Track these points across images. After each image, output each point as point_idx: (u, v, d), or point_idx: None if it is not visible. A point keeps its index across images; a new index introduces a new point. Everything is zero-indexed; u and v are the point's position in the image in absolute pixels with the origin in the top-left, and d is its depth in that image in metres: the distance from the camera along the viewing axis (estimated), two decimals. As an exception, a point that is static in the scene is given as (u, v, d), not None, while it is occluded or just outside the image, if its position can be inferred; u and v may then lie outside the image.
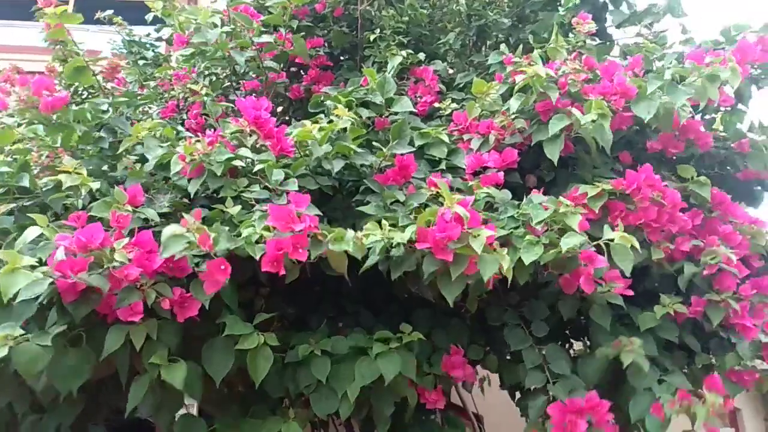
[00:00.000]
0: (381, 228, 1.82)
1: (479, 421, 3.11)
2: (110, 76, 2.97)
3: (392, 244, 1.80)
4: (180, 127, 2.46)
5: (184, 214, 2.01)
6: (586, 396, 1.90)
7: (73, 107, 2.19)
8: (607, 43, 2.86)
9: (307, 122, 2.15)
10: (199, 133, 2.45)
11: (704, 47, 2.37)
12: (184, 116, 3.03)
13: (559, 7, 2.72)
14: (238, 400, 2.11)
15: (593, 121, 2.01)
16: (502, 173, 2.24)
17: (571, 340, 2.53)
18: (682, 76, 2.16)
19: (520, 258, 1.82)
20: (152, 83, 3.25)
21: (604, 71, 2.21)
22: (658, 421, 1.85)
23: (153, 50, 3.53)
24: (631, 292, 2.08)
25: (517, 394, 2.42)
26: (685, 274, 2.18)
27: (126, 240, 1.61)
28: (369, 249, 1.80)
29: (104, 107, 2.27)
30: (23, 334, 1.52)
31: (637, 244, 1.85)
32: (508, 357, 2.34)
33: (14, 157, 2.06)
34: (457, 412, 2.78)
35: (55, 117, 2.08)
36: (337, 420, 2.46)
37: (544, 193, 2.12)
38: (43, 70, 3.40)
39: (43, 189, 1.94)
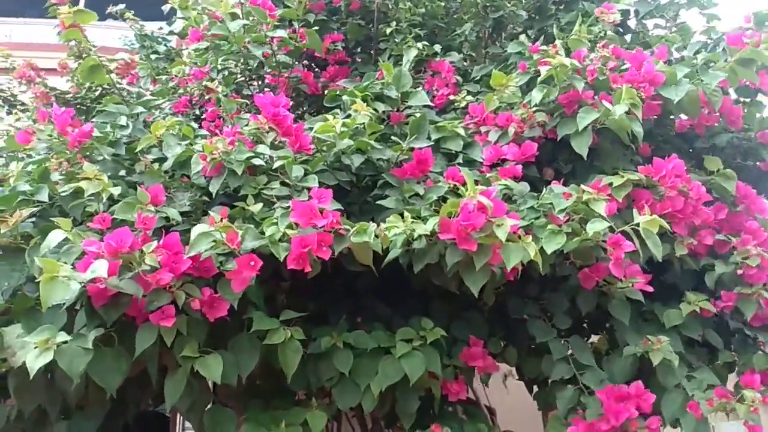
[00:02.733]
0: (403, 220, 1.82)
1: (492, 415, 3.13)
2: (124, 72, 2.97)
3: (414, 236, 1.81)
4: (193, 123, 2.46)
5: (205, 212, 2.04)
6: (632, 384, 1.92)
7: (93, 124, 2.19)
8: (628, 35, 2.83)
9: (329, 117, 2.14)
10: (217, 131, 2.46)
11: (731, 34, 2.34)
12: (197, 111, 3.03)
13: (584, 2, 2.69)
14: (257, 394, 2.14)
15: (626, 112, 1.99)
16: (520, 166, 2.24)
17: (590, 334, 2.53)
18: (711, 60, 2.14)
19: (542, 247, 1.83)
20: (164, 77, 3.24)
21: (632, 59, 2.19)
22: (694, 420, 1.85)
23: (165, 44, 3.52)
24: (651, 289, 2.08)
25: (534, 388, 2.44)
26: (716, 273, 2.17)
27: (154, 243, 1.62)
28: (391, 242, 1.81)
29: (123, 121, 2.26)
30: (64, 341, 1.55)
31: (667, 226, 1.84)
32: (530, 351, 2.34)
33: (34, 163, 2.06)
34: (470, 405, 2.79)
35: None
36: (350, 413, 2.49)
37: (563, 186, 2.11)
38: (56, 67, 3.43)
39: (62, 195, 1.95)
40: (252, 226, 1.83)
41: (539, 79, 2.24)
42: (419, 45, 2.73)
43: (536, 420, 2.73)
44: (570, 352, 2.16)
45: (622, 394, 1.90)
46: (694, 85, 2.12)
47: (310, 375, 2.02)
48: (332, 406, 2.06)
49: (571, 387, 2.08)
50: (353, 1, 3.10)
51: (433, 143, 2.30)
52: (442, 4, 3.10)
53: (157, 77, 3.27)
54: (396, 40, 2.91)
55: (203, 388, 1.85)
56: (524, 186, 2.18)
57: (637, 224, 1.85)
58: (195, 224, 1.94)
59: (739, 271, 2.14)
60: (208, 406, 1.94)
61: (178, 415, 4.45)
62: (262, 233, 1.79)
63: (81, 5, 2.45)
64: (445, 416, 2.22)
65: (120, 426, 2.14)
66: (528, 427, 2.93)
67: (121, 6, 3.43)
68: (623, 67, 2.23)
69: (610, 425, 1.86)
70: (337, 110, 2.44)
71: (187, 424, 4.44)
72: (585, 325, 2.51)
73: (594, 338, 2.46)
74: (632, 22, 2.91)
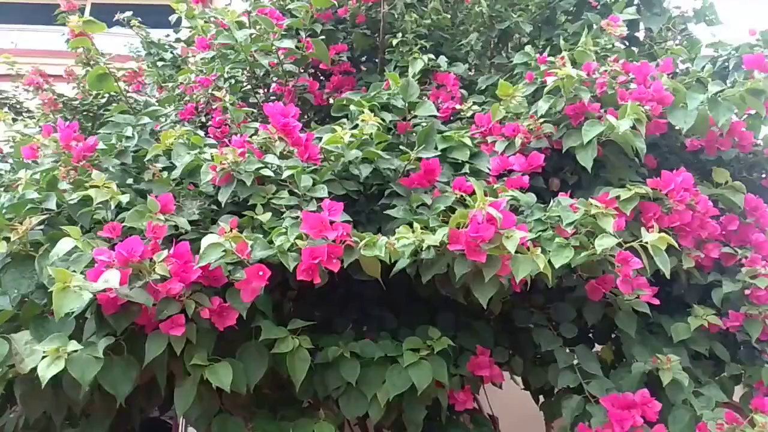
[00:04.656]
0: (413, 231, 1.83)
1: (494, 423, 3.13)
2: (132, 80, 2.98)
3: (422, 246, 1.81)
4: (199, 131, 2.47)
5: (214, 221, 2.04)
6: (638, 392, 1.92)
7: (99, 135, 2.20)
8: (637, 49, 2.85)
9: (337, 128, 2.15)
10: (225, 139, 2.47)
11: (740, 51, 2.35)
12: (203, 119, 3.04)
13: (589, 12, 2.71)
14: (264, 403, 2.13)
15: (631, 128, 2.00)
16: (527, 176, 2.24)
17: (595, 344, 2.53)
18: (721, 90, 2.16)
19: (549, 261, 1.83)
20: (171, 84, 3.25)
21: (637, 71, 2.20)
22: None
23: (171, 52, 3.53)
24: (657, 301, 2.09)
25: (541, 399, 2.44)
26: (723, 291, 2.18)
27: (165, 252, 1.63)
28: (400, 252, 1.81)
29: (129, 132, 2.27)
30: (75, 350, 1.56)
31: (675, 243, 1.85)
32: (535, 360, 2.34)
33: (42, 172, 2.06)
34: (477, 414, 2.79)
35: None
36: (354, 421, 2.49)
37: (570, 197, 2.12)
38: (62, 74, 3.44)
39: (71, 203, 1.95)
40: (261, 236, 1.83)
41: (546, 90, 2.25)
42: (424, 57, 2.74)
43: (538, 428, 2.74)
44: (576, 361, 2.16)
45: (627, 402, 1.90)
46: (704, 105, 2.13)
47: (317, 384, 2.02)
48: (338, 416, 2.05)
49: (577, 396, 2.08)
50: (359, 13, 3.12)
51: (440, 153, 2.30)
52: (448, 16, 3.11)
53: (163, 85, 3.28)
54: (402, 51, 2.92)
55: (211, 396, 1.84)
56: (531, 197, 2.18)
57: (646, 241, 1.86)
58: (204, 233, 1.95)
59: (747, 291, 2.14)
60: (216, 416, 1.94)
61: (181, 424, 4.44)
62: (271, 243, 1.80)
63: (87, 13, 2.46)
64: (452, 425, 2.22)
65: (125, 434, 2.14)
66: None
67: (128, 13, 3.44)
68: (630, 79, 2.24)
69: None
70: (344, 120, 2.45)
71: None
72: (591, 335, 2.51)
73: (598, 348, 2.47)
74: (640, 33, 2.92)
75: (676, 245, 1.89)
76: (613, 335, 2.43)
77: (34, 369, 1.56)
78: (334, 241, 1.74)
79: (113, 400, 1.69)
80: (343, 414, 2.01)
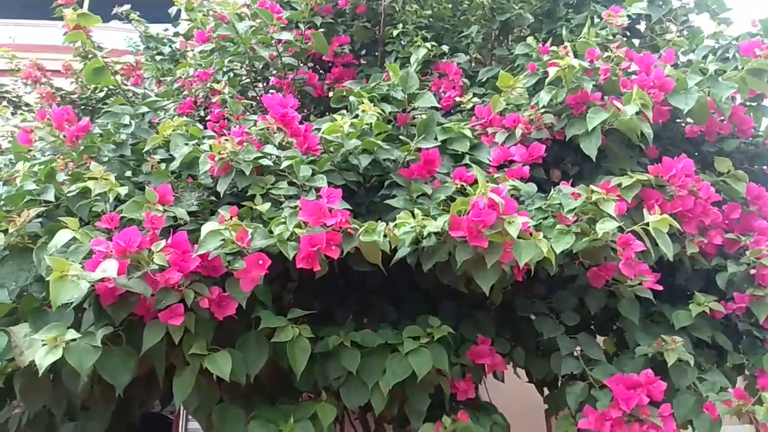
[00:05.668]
0: (414, 217, 1.81)
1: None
2: (129, 73, 2.97)
3: (424, 234, 1.80)
4: (198, 124, 2.46)
5: (213, 212, 2.03)
6: (642, 373, 1.91)
7: (96, 124, 2.19)
8: (638, 41, 2.84)
9: (337, 117, 2.13)
10: (224, 130, 2.46)
11: (740, 41, 2.34)
12: (201, 113, 3.02)
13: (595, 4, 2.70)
14: (263, 394, 2.13)
15: (637, 113, 1.98)
16: (527, 167, 2.23)
17: (597, 336, 2.52)
18: (722, 69, 2.15)
19: (550, 247, 1.82)
20: (169, 79, 3.24)
21: (640, 62, 2.19)
22: (708, 421, 1.84)
23: (170, 46, 3.52)
24: (659, 287, 2.07)
25: (545, 391, 2.43)
26: (727, 273, 2.17)
27: (163, 242, 1.62)
28: (400, 240, 1.80)
29: (126, 120, 2.26)
30: (73, 338, 1.55)
31: (677, 225, 1.84)
32: (537, 351, 2.33)
33: (40, 164, 2.05)
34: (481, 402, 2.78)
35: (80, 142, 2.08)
36: (353, 415, 2.48)
37: (571, 187, 2.11)
38: (60, 68, 3.43)
39: (69, 195, 1.94)
40: (260, 225, 1.82)
41: (547, 80, 2.24)
42: (428, 45, 2.72)
43: (538, 421, 2.73)
44: (579, 348, 2.16)
45: (633, 382, 1.90)
46: (704, 92, 2.12)
47: (317, 374, 2.01)
48: (338, 407, 2.04)
49: (581, 382, 2.07)
50: (360, 4, 3.10)
51: (439, 144, 2.29)
52: (449, 6, 3.10)
53: (161, 79, 3.27)
54: (402, 42, 2.90)
55: (211, 386, 1.84)
56: (532, 187, 2.17)
57: (647, 224, 1.84)
58: (203, 224, 1.94)
59: (752, 271, 2.14)
60: (215, 405, 1.93)
61: (181, 418, 4.44)
62: (271, 233, 1.79)
63: (85, 6, 2.45)
64: (456, 412, 2.20)
65: (125, 427, 2.13)
66: (525, 428, 2.94)
67: (127, 6, 3.43)
68: (631, 70, 2.23)
69: (621, 412, 1.85)
70: (344, 111, 2.44)
71: (190, 426, 4.44)
72: (592, 326, 2.50)
73: (600, 340, 2.46)
74: (641, 26, 2.91)
75: (678, 227, 1.87)
76: (614, 327, 2.42)
77: (34, 362, 1.55)
78: (332, 228, 1.73)
79: (113, 393, 1.68)
80: (344, 404, 2.00)
